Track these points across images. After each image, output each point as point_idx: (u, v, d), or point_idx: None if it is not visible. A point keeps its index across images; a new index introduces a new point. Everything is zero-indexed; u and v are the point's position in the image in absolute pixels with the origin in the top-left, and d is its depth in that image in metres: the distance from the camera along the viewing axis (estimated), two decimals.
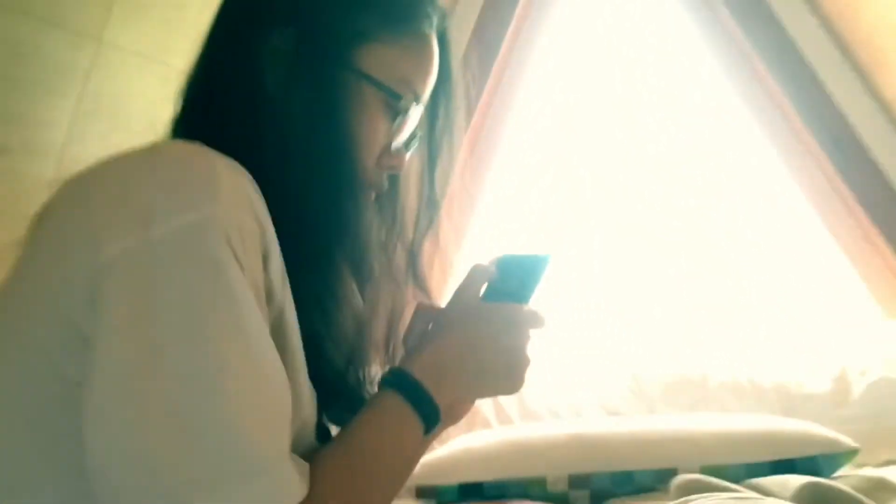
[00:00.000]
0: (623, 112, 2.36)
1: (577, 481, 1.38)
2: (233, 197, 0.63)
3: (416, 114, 0.82)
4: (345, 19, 0.77)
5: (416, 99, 0.81)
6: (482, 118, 2.18)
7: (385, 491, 0.69)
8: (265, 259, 0.66)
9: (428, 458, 1.36)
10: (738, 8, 2.18)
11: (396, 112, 0.79)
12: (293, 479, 0.59)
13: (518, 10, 2.22)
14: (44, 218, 0.70)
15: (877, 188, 2.21)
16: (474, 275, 0.81)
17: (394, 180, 0.87)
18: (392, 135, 0.80)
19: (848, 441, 1.40)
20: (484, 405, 1.73)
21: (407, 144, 0.84)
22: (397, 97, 0.78)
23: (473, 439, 1.51)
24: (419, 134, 0.86)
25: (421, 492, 1.43)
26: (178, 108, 0.80)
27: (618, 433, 1.47)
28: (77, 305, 0.60)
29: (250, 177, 0.67)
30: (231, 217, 0.62)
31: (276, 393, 0.62)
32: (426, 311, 0.82)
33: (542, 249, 0.84)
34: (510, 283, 0.82)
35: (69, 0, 0.98)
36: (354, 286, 0.83)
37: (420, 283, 0.89)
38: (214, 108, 0.77)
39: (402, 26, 0.79)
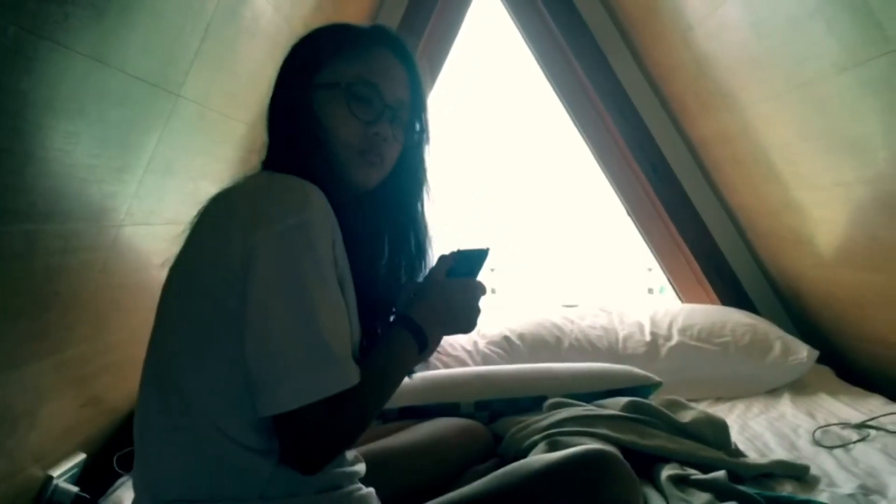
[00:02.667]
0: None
1: (480, 405, 1.82)
2: (319, 207, 1.00)
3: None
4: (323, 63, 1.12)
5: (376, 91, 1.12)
6: None
7: (394, 388, 1.11)
8: (333, 244, 1.01)
9: None
10: (587, 64, 2.71)
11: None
12: (352, 371, 0.98)
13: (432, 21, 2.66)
14: (203, 217, 1.08)
15: (680, 202, 2.79)
16: (440, 262, 1.21)
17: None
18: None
19: (655, 377, 1.94)
20: None
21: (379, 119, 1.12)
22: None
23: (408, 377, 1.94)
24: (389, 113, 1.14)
25: None
26: (266, 143, 1.17)
27: (507, 372, 1.95)
28: (235, 268, 0.96)
29: (322, 193, 1.01)
30: (318, 219, 0.99)
31: (343, 322, 1.02)
32: (411, 284, 1.23)
33: (483, 244, 1.20)
34: (464, 267, 1.21)
35: (157, 60, 1.30)
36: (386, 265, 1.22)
37: None
38: (285, 145, 1.13)
39: (360, 55, 1.13)
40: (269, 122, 1.17)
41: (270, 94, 1.16)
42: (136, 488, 1.10)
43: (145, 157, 1.39)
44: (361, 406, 1.02)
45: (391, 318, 1.21)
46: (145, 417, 1.07)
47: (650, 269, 4.35)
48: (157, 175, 1.46)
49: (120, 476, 1.70)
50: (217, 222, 1.06)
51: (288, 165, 1.08)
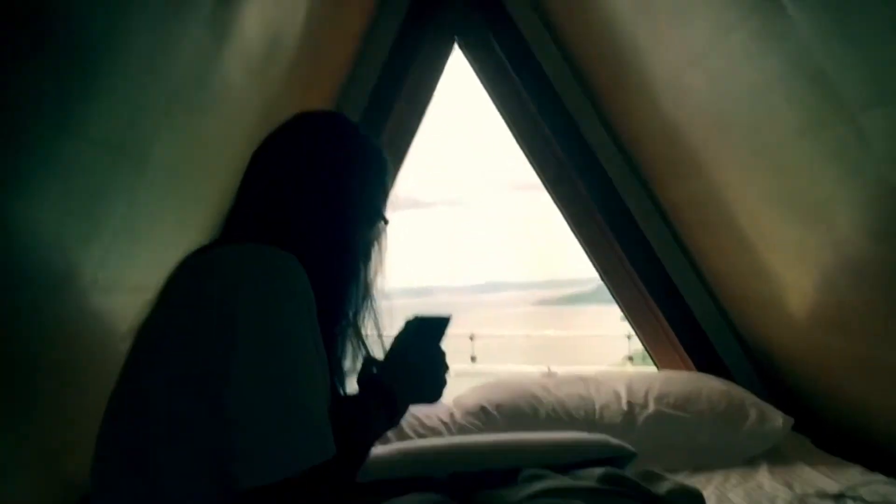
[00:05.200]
0: None
1: (455, 477, 1.77)
2: (300, 277, 1.02)
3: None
4: (366, 195, 1.20)
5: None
6: None
7: (365, 458, 1.12)
8: (310, 311, 1.01)
9: None
10: (556, 128, 2.79)
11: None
12: (332, 441, 0.97)
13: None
14: (175, 284, 1.07)
15: (654, 269, 2.83)
16: (406, 328, 1.21)
17: None
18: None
19: (629, 447, 1.91)
20: None
21: None
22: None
23: (382, 449, 1.89)
24: None
25: None
26: (245, 215, 1.16)
27: (480, 443, 1.92)
28: (213, 335, 0.95)
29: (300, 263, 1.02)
30: (300, 287, 1.01)
31: (322, 390, 1.02)
32: (371, 360, 1.23)
33: (445, 313, 1.21)
34: (428, 334, 1.21)
35: (122, 126, 1.30)
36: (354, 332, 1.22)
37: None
38: (280, 225, 1.13)
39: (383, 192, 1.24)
40: (293, 203, 1.16)
41: (302, 174, 1.16)
42: None
43: (112, 224, 1.38)
44: (338, 476, 1.01)
45: (359, 385, 1.20)
46: (105, 499, 1.02)
47: (629, 337, 4.36)
48: (124, 242, 1.44)
49: None
50: (191, 289, 1.04)
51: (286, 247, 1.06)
